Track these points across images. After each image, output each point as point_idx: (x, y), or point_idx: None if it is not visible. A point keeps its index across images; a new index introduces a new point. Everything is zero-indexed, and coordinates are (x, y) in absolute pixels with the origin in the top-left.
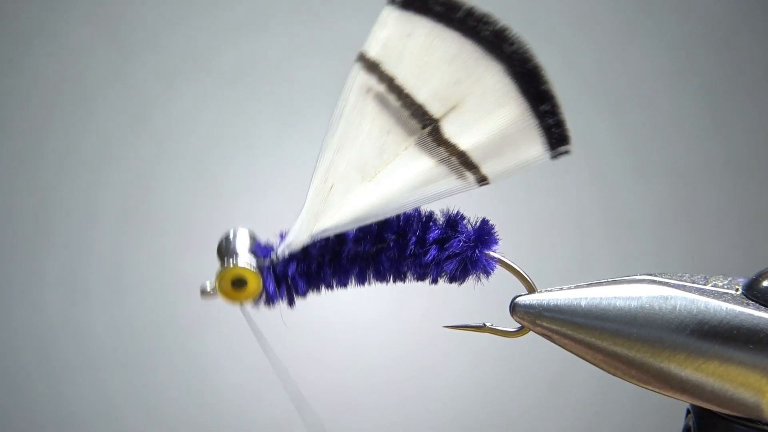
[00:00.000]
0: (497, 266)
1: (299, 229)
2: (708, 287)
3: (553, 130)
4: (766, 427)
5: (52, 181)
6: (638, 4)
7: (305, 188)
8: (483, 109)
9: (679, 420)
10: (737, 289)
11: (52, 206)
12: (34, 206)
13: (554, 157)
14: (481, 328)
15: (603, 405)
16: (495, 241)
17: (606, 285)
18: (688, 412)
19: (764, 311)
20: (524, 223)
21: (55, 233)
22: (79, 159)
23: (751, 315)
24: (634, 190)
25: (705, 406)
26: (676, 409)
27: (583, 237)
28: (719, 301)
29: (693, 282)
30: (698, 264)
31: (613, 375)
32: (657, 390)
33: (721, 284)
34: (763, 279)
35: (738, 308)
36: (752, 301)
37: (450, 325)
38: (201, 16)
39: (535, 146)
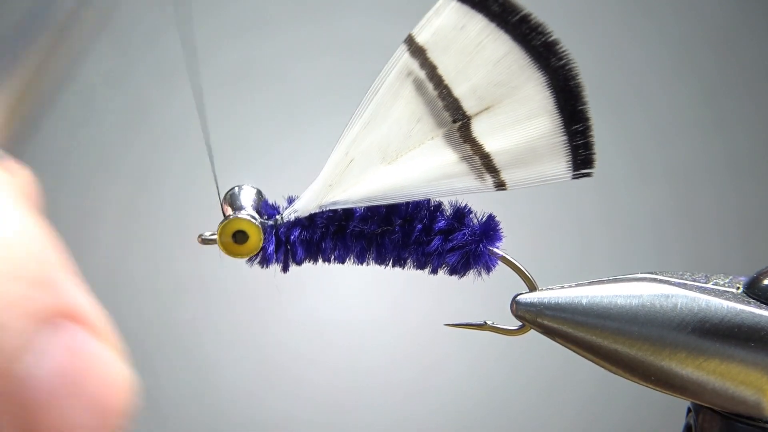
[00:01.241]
0: (498, 263)
1: (310, 197)
2: (709, 286)
3: (580, 151)
4: (767, 425)
5: (49, 180)
6: (638, 4)
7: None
8: (516, 116)
9: (680, 419)
10: (738, 288)
11: (49, 206)
12: None
13: (575, 177)
14: (481, 326)
15: (604, 404)
16: (499, 238)
17: (607, 283)
18: (689, 410)
19: (765, 309)
20: (525, 222)
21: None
22: (76, 158)
23: (752, 313)
24: (634, 190)
25: (706, 405)
26: (676, 408)
27: (584, 236)
28: (720, 299)
29: (694, 281)
30: (698, 264)
31: (614, 373)
32: (658, 388)
33: (722, 283)
34: (764, 278)
35: (739, 306)
36: (753, 299)
37: (451, 323)
38: (199, 15)
39: (559, 163)
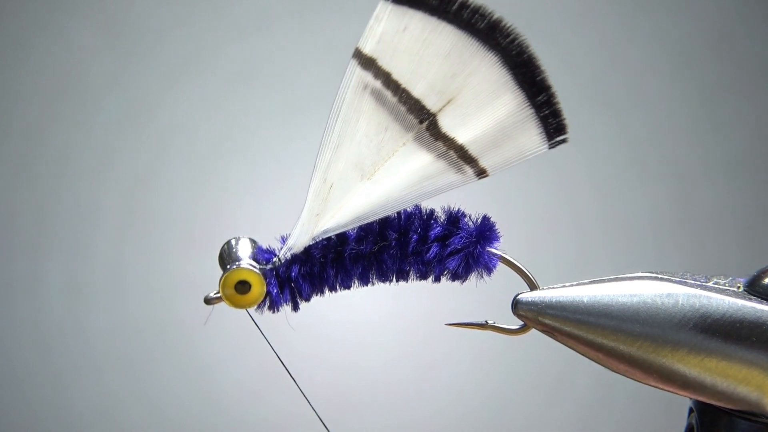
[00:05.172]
0: (499, 264)
1: (300, 231)
2: (710, 285)
3: (550, 120)
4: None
5: (54, 181)
6: (637, 4)
7: (307, 189)
8: (480, 102)
9: (682, 419)
10: (739, 287)
11: (54, 206)
12: (36, 206)
13: (552, 146)
14: (483, 325)
15: (605, 403)
16: (497, 238)
17: (608, 282)
18: (691, 410)
19: (767, 305)
20: (525, 222)
21: (56, 233)
22: (81, 159)
23: (754, 308)
24: (633, 190)
25: (707, 401)
26: (678, 408)
27: (583, 236)
28: (722, 296)
29: (695, 280)
30: (698, 264)
31: (615, 372)
32: (659, 386)
33: (722, 283)
34: (765, 276)
35: (740, 302)
36: (754, 296)
37: (452, 322)
38: (203, 18)
39: (532, 137)
